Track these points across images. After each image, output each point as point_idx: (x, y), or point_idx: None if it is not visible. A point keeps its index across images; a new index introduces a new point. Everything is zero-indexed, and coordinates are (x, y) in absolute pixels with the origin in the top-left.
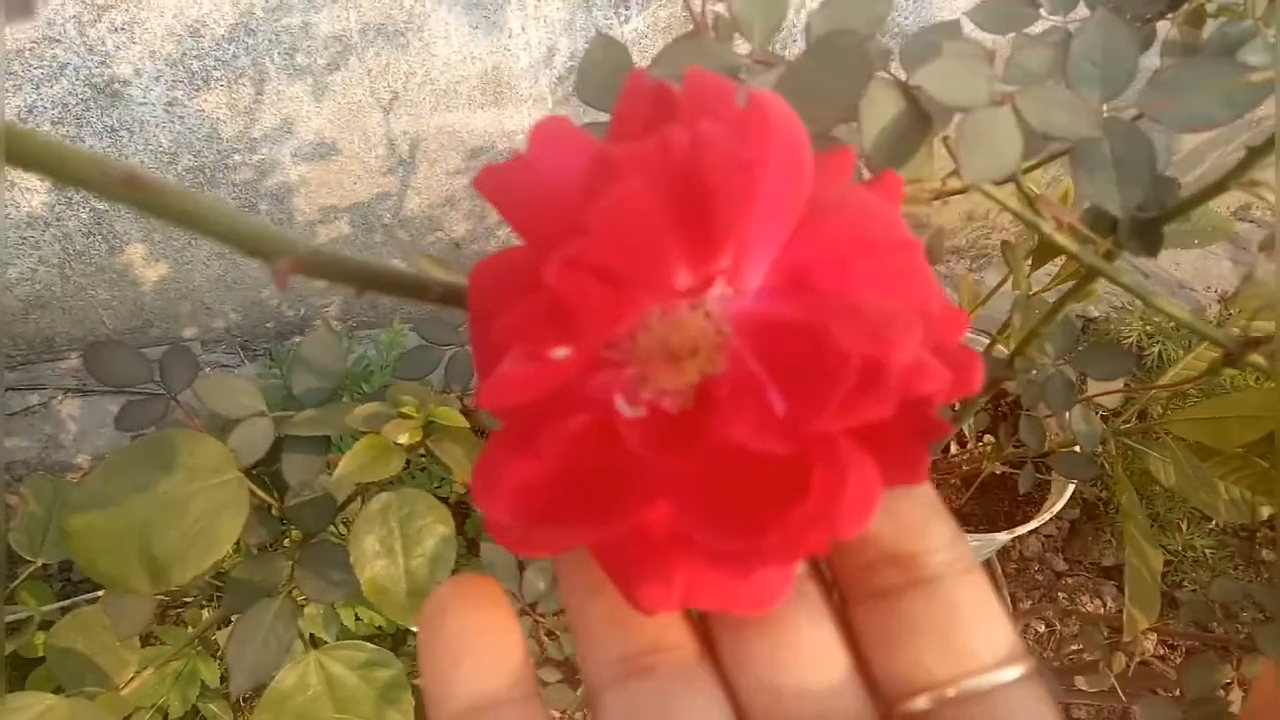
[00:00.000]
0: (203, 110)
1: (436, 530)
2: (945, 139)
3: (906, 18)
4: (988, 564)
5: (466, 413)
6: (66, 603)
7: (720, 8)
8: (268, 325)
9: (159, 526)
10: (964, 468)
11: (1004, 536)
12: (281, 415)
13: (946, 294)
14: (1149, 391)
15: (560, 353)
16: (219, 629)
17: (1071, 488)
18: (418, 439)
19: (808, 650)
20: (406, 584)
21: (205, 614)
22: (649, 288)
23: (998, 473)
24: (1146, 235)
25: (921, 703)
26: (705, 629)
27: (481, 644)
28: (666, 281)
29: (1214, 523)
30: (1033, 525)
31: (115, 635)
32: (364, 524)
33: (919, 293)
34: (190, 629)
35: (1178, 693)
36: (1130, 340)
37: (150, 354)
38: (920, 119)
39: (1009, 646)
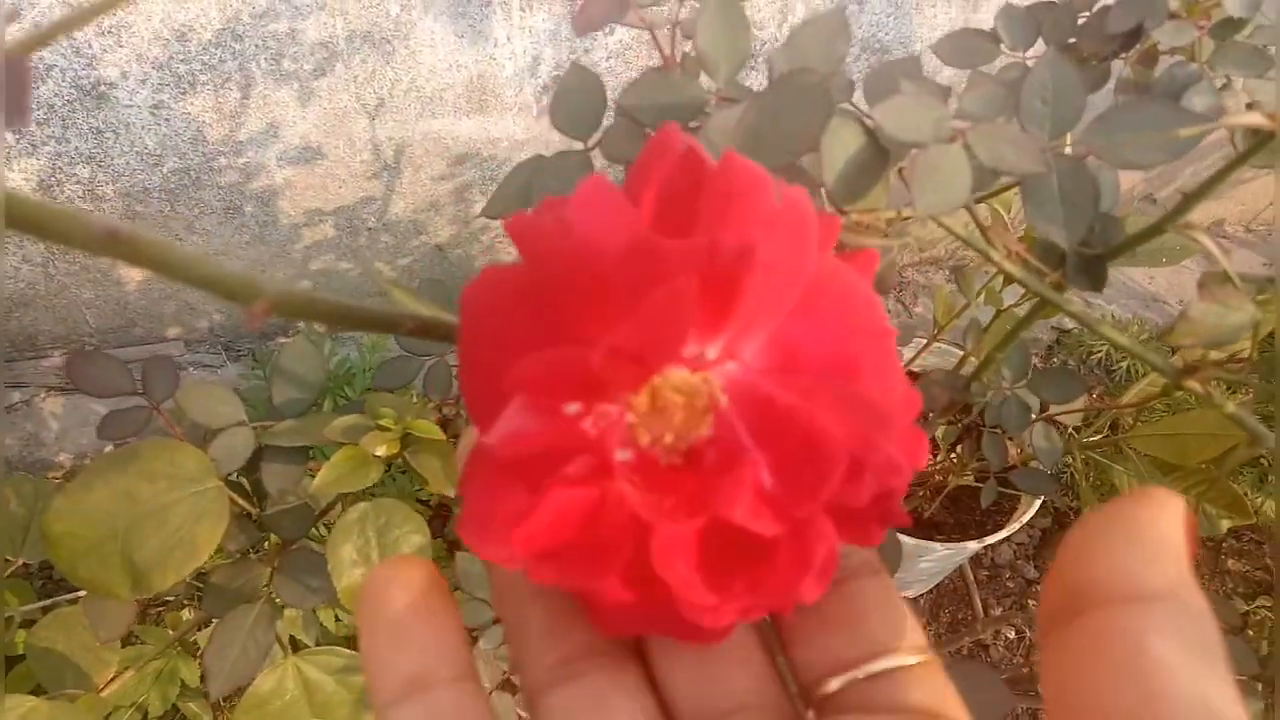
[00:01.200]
0: (189, 114)
1: (413, 540)
2: (900, 170)
3: (887, 34)
4: (960, 571)
5: (443, 423)
6: (47, 602)
7: (688, 46)
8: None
9: (140, 534)
10: (935, 478)
11: (974, 545)
12: (262, 425)
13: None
14: (1112, 409)
15: (573, 408)
16: (199, 630)
17: (1041, 499)
18: (395, 450)
19: (728, 650)
20: None
21: (186, 614)
22: (667, 360)
23: (970, 483)
24: (1091, 271)
25: (834, 685)
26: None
27: (420, 625)
28: (677, 356)
29: None
30: (1003, 534)
31: (95, 638)
32: (341, 533)
33: (891, 380)
34: (170, 629)
35: None
36: (1100, 353)
37: (132, 353)
38: (879, 153)
39: (912, 636)
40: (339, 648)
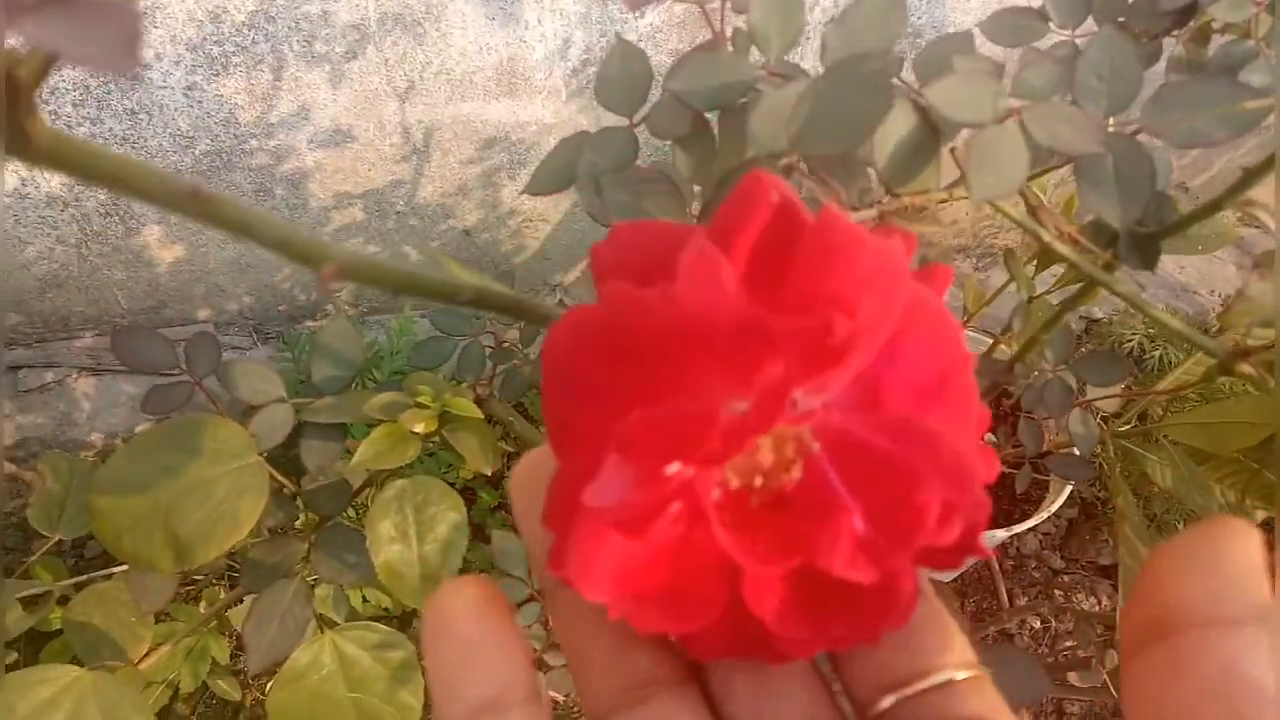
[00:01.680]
0: (221, 95)
1: (449, 517)
2: (952, 150)
3: (920, 18)
4: (985, 560)
5: (478, 402)
6: (81, 579)
7: (740, 21)
8: (280, 309)
9: (184, 508)
10: None
11: (1002, 534)
12: (301, 402)
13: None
14: (1148, 396)
15: (674, 469)
16: (231, 608)
17: (1070, 488)
18: (433, 428)
19: (786, 671)
20: (420, 568)
21: (218, 591)
22: (771, 425)
23: (1000, 471)
24: (1144, 250)
25: (887, 702)
26: (692, 659)
27: (488, 646)
28: (782, 417)
29: None
30: (1031, 523)
31: (137, 611)
32: (380, 509)
33: (971, 412)
34: (203, 606)
35: None
36: (1132, 343)
37: (165, 334)
38: (930, 134)
39: (961, 651)
40: (375, 624)
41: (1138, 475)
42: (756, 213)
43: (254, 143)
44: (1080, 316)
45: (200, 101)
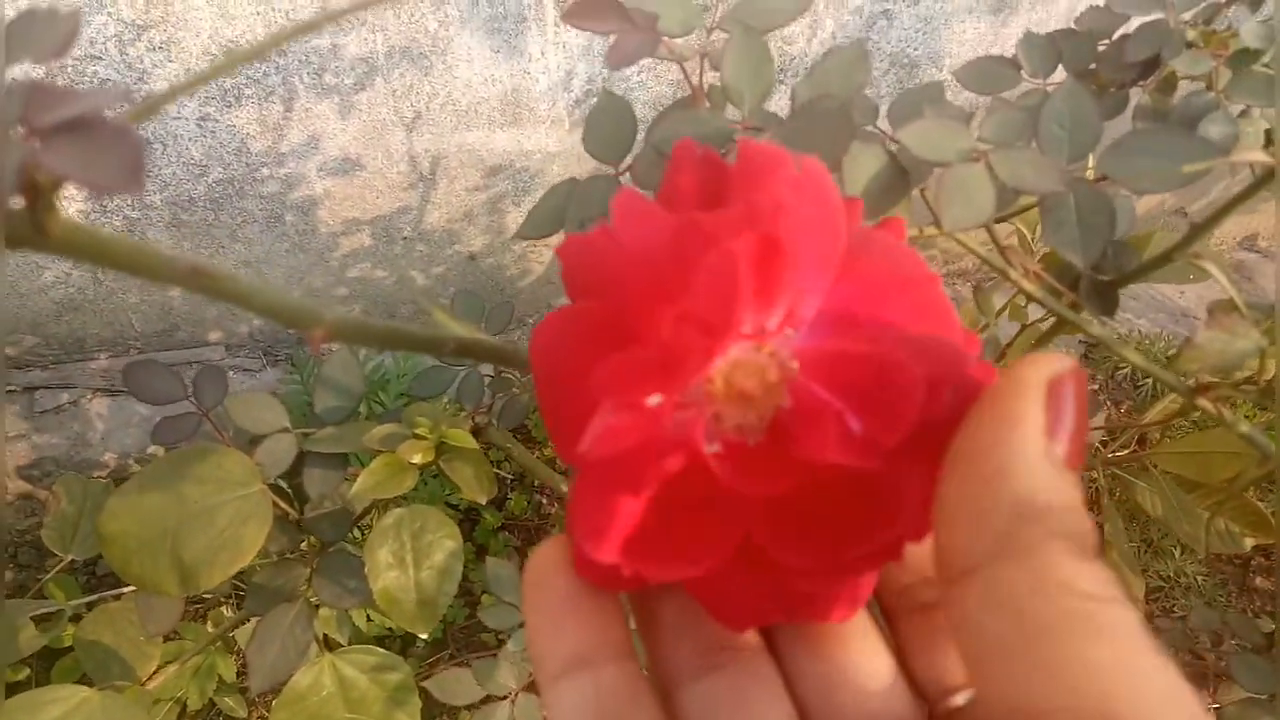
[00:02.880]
0: (233, 126)
1: (446, 545)
2: (923, 191)
3: (916, 49)
4: None
5: (475, 431)
6: (92, 598)
7: (713, 77)
8: (290, 331)
9: (189, 533)
10: None
11: None
12: (304, 431)
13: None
14: (1137, 424)
15: (654, 400)
16: (237, 628)
17: None
18: (430, 458)
19: (859, 657)
20: (416, 594)
21: (225, 611)
22: (729, 334)
23: None
24: (1103, 296)
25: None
26: (766, 631)
27: (583, 603)
28: (737, 327)
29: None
30: None
31: (144, 632)
32: (378, 537)
33: (946, 319)
34: (210, 627)
35: None
36: (1126, 369)
37: (175, 356)
38: (899, 174)
39: None
40: (373, 646)
41: (1131, 503)
42: (686, 167)
43: (265, 171)
44: (1080, 340)
45: (213, 132)
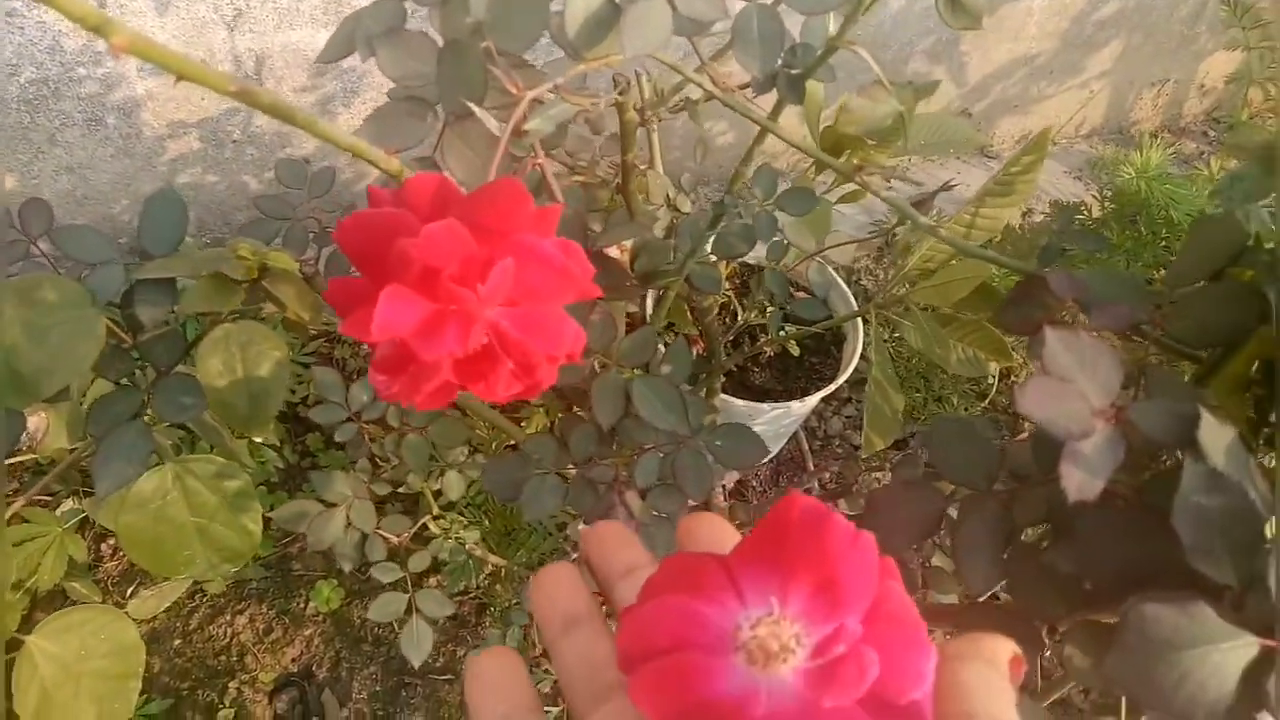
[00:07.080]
0: (44, 22)
1: (273, 355)
2: None
3: None
4: (795, 439)
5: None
6: None
7: None
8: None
9: (24, 349)
10: (761, 348)
11: (798, 404)
12: (133, 263)
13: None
14: (901, 271)
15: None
16: (80, 499)
17: (857, 358)
18: (254, 275)
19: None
20: (249, 398)
21: (71, 503)
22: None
23: (795, 354)
24: (794, 86)
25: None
26: None
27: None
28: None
29: (967, 381)
30: (824, 392)
31: None
32: (209, 347)
33: (559, 327)
34: (56, 513)
35: None
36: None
37: None
38: (613, 10)
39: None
40: (213, 456)
41: (901, 343)
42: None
43: (82, 70)
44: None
45: (22, 28)
